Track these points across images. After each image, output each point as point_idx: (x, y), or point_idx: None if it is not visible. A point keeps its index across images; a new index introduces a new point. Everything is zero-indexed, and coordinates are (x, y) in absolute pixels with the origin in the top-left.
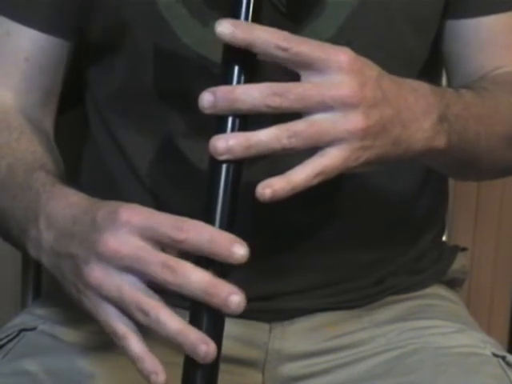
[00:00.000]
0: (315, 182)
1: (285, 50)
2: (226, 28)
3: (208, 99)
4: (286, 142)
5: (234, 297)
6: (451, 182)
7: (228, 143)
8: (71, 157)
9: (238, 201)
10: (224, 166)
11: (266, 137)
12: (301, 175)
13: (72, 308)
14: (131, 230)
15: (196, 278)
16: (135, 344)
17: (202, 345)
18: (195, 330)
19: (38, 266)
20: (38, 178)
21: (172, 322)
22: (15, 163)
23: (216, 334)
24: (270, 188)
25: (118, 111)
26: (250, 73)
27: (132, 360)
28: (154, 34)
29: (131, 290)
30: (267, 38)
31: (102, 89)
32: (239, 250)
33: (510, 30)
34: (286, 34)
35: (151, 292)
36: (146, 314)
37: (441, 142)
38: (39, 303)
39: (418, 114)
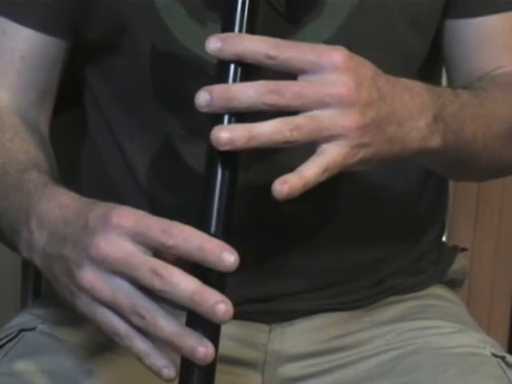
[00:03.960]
0: (323, 178)
1: (274, 58)
2: (213, 44)
3: (204, 98)
4: (288, 134)
5: (220, 305)
6: (451, 182)
7: (230, 134)
8: (70, 158)
9: (238, 203)
10: (220, 166)
11: (269, 129)
12: (311, 171)
13: (71, 308)
14: (122, 234)
15: (183, 286)
16: (140, 341)
17: (201, 347)
18: (193, 333)
19: None
20: (30, 178)
21: (169, 325)
22: (8, 163)
23: (213, 336)
24: (287, 184)
25: (116, 112)
26: (246, 71)
27: (139, 357)
28: (152, 34)
29: (125, 293)
30: (256, 49)
31: (101, 89)
32: (229, 258)
33: (510, 30)
34: (276, 41)
35: (146, 295)
36: (141, 317)
37: (436, 141)
38: (39, 303)
39: (413, 112)
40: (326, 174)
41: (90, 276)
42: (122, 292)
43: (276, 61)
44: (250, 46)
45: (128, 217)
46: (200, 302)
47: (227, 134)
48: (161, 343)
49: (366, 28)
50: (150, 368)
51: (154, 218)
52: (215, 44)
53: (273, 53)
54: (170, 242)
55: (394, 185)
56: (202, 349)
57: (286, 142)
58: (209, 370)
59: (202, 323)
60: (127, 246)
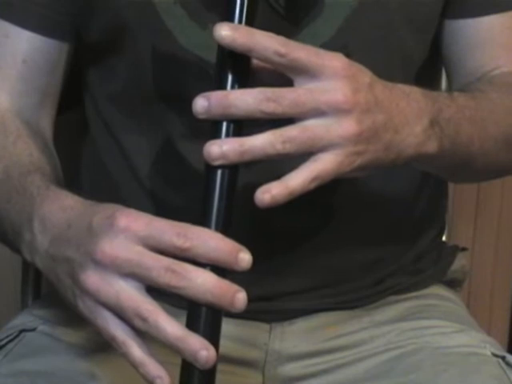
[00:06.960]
0: (312, 186)
1: (283, 55)
2: (225, 32)
3: (202, 104)
4: (280, 147)
5: (238, 295)
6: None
7: (222, 149)
8: (71, 159)
9: (237, 203)
10: (219, 171)
11: (260, 142)
12: (297, 180)
13: (72, 309)
14: (131, 237)
15: (201, 281)
16: (136, 349)
17: (203, 351)
18: (195, 336)
19: None
20: (32, 180)
21: (171, 328)
22: (11, 166)
23: (213, 337)
24: (269, 193)
25: (117, 113)
26: (244, 78)
27: (134, 365)
28: (153, 36)
29: (129, 296)
30: (266, 44)
31: (102, 90)
32: (245, 257)
33: (509, 30)
34: (283, 39)
35: (150, 298)
36: (144, 320)
37: (432, 146)
38: (39, 303)
39: (409, 118)
40: (316, 182)
41: (94, 278)
42: (126, 294)
43: (284, 59)
44: (261, 41)
45: (137, 220)
46: (219, 295)
47: (218, 150)
48: (163, 345)
49: (365, 29)
50: (143, 377)
51: (164, 221)
52: (227, 32)
53: (282, 50)
54: (186, 244)
55: (393, 184)
56: (204, 352)
57: (279, 155)
58: (210, 370)
59: (202, 324)
60: (136, 248)
